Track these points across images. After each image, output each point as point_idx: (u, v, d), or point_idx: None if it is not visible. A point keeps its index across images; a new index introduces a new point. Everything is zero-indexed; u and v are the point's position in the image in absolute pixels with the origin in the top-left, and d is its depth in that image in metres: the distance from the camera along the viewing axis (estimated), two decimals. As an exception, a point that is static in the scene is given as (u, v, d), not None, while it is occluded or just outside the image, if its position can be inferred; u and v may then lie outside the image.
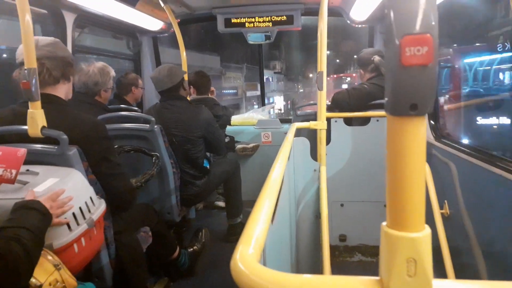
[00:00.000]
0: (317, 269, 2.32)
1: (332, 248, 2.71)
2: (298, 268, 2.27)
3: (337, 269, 2.34)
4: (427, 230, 0.40)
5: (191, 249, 2.56)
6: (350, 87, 2.78)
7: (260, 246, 0.54)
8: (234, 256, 0.50)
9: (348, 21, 3.48)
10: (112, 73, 2.58)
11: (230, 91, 26.41)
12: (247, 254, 0.50)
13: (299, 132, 2.40)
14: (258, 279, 0.44)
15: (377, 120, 2.66)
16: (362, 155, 2.70)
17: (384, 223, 0.42)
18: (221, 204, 3.76)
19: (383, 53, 2.81)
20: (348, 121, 2.72)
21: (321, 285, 0.42)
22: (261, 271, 0.45)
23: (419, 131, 0.38)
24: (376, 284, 0.42)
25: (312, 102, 3.40)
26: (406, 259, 0.39)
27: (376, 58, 2.76)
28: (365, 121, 2.70)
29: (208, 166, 2.80)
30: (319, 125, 2.23)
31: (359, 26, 3.54)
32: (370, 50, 2.90)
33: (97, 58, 3.36)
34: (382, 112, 2.65)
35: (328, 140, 2.61)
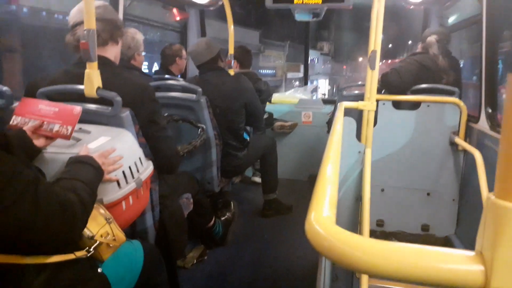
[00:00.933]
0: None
1: (369, 233, 2.67)
2: None
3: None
4: None
5: (223, 217, 2.61)
6: (399, 66, 2.67)
7: (334, 209, 0.52)
8: (308, 218, 0.48)
9: (403, 3, 3.31)
10: (142, 37, 2.67)
11: (268, 71, 24.03)
12: (322, 216, 0.48)
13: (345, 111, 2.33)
14: (339, 243, 0.42)
15: (428, 106, 2.54)
16: (408, 141, 2.61)
17: (490, 194, 0.39)
18: (257, 179, 3.78)
19: (444, 35, 2.66)
20: (397, 105, 2.61)
21: (409, 254, 0.39)
22: (341, 233, 0.43)
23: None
24: (476, 259, 0.38)
25: (360, 82, 3.29)
26: (517, 233, 0.35)
27: (431, 38, 2.62)
28: (414, 106, 2.59)
29: (248, 139, 2.80)
30: (368, 106, 2.16)
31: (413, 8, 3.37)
32: (433, 29, 2.76)
33: (144, 28, 3.40)
34: (434, 97, 2.53)
35: (375, 123, 2.53)
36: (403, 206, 2.71)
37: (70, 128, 1.28)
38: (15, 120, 1.29)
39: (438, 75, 2.60)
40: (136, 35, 2.64)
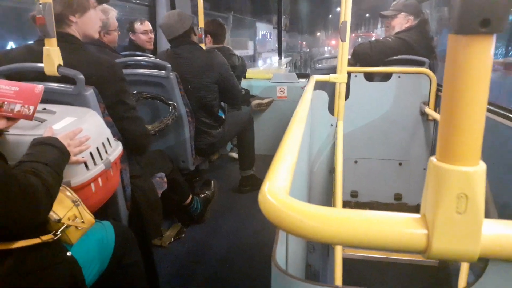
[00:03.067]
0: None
1: (344, 204, 2.73)
2: None
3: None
4: (482, 165, 0.37)
5: (202, 195, 2.62)
6: (374, 40, 2.67)
7: (289, 180, 0.52)
8: (262, 189, 0.48)
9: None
10: (113, 13, 2.57)
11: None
12: (276, 187, 0.48)
13: (316, 86, 2.34)
14: (291, 212, 0.42)
15: (399, 77, 2.57)
16: (380, 112, 2.64)
17: (432, 157, 0.39)
18: (235, 155, 3.78)
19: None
20: (369, 77, 2.63)
21: (357, 220, 0.40)
22: (293, 203, 0.43)
23: (487, 52, 0.33)
24: (419, 222, 0.39)
25: (330, 55, 3.28)
26: (456, 195, 0.36)
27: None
28: (386, 77, 2.61)
29: (223, 117, 2.77)
30: (339, 78, 2.16)
31: None
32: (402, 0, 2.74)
33: (112, 3, 3.27)
34: (404, 68, 2.55)
35: (347, 96, 2.55)
36: (376, 176, 2.77)
37: (32, 108, 1.23)
38: None
39: (419, 52, 2.60)
40: (108, 12, 2.55)
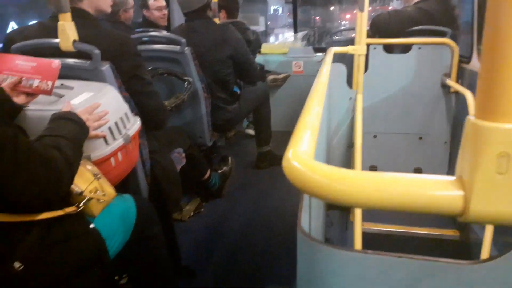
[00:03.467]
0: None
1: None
2: None
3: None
4: None
5: (220, 170, 2.64)
6: (392, 10, 2.58)
7: (313, 145, 0.50)
8: (286, 156, 0.46)
9: None
10: None
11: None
12: (300, 152, 0.46)
13: (335, 58, 2.28)
14: (317, 175, 0.40)
15: (419, 48, 2.48)
16: (400, 85, 2.57)
17: (470, 116, 0.37)
18: (251, 132, 3.77)
19: None
20: (388, 49, 2.55)
21: (388, 182, 0.38)
22: (319, 166, 0.41)
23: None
24: (455, 183, 0.37)
25: (349, 27, 3.19)
26: (497, 154, 0.34)
27: None
28: (406, 48, 2.53)
29: (238, 92, 2.75)
30: (358, 50, 2.10)
31: None
32: None
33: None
34: (425, 39, 2.47)
35: (365, 69, 2.49)
36: (395, 151, 2.73)
37: (50, 83, 1.24)
38: None
39: (441, 22, 2.50)
40: None
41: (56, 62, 1.26)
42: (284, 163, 0.46)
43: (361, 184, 0.38)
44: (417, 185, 0.38)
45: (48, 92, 1.23)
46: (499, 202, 0.35)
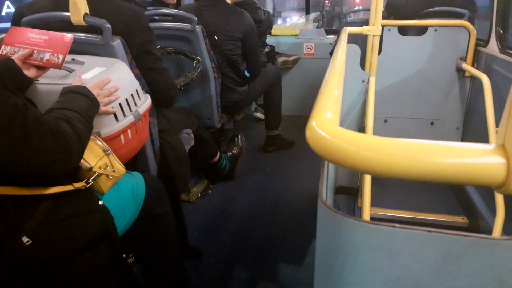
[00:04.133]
0: (356, 179, 2.31)
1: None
2: None
3: (376, 183, 2.32)
4: None
5: (230, 153, 2.61)
6: None
7: (337, 112, 0.47)
8: (309, 125, 0.44)
9: None
10: None
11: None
12: (324, 119, 0.44)
13: (348, 39, 2.23)
14: (344, 143, 0.38)
15: (435, 30, 2.42)
16: (414, 68, 2.51)
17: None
18: (259, 115, 3.73)
19: None
20: (403, 31, 2.49)
21: (419, 149, 0.36)
22: (344, 133, 0.39)
23: None
24: (495, 151, 0.34)
25: (363, 7, 3.12)
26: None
27: None
28: (421, 31, 2.46)
29: (248, 75, 2.71)
30: (373, 30, 2.04)
31: None
32: None
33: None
34: (441, 21, 2.40)
35: (379, 51, 2.43)
36: (406, 136, 2.67)
37: (61, 57, 1.22)
38: (4, 50, 1.23)
39: (459, 4, 2.42)
40: None
41: (68, 36, 1.24)
42: (308, 132, 0.43)
43: (393, 152, 0.36)
44: (454, 153, 0.35)
45: (59, 66, 1.22)
46: (546, 171, 0.32)
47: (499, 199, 1.72)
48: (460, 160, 0.34)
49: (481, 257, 0.39)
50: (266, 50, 3.42)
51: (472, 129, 2.46)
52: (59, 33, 1.24)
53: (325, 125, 0.41)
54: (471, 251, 0.39)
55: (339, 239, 0.43)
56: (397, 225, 0.40)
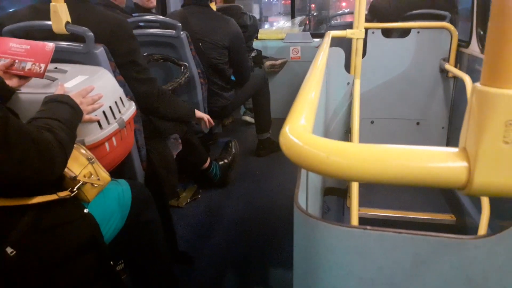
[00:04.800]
0: (344, 180, 2.33)
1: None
2: None
3: (364, 184, 2.34)
4: None
5: (222, 162, 2.58)
6: None
7: (311, 120, 0.48)
8: (283, 131, 0.45)
9: None
10: None
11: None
12: (297, 126, 0.44)
13: (332, 43, 2.25)
14: (315, 149, 0.39)
15: (418, 32, 2.45)
16: (398, 70, 2.55)
17: (476, 83, 0.35)
18: (248, 118, 3.74)
19: None
20: (387, 33, 2.52)
21: (388, 154, 0.37)
22: (317, 140, 0.39)
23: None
24: (458, 155, 0.35)
25: (348, 10, 3.15)
26: (504, 122, 0.32)
27: None
28: (405, 33, 2.50)
29: (235, 80, 2.71)
30: (356, 34, 2.07)
31: None
32: None
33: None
34: (424, 23, 2.44)
35: (364, 54, 2.46)
36: (393, 136, 2.72)
37: (43, 66, 1.22)
38: None
39: (441, 6, 2.46)
40: None
41: (50, 45, 1.24)
42: (281, 138, 0.44)
43: (360, 157, 0.37)
44: (418, 157, 0.36)
45: (41, 75, 1.21)
46: (504, 173, 0.34)
47: (484, 197, 1.75)
48: (425, 164, 0.35)
49: (450, 257, 0.40)
50: (253, 54, 3.44)
51: (457, 128, 2.50)
52: (41, 42, 1.24)
53: (297, 132, 0.42)
54: (440, 251, 0.40)
55: (313, 241, 0.44)
56: (368, 227, 0.41)
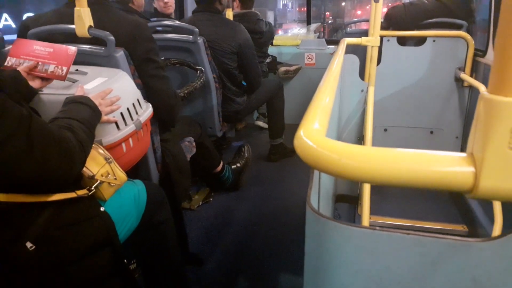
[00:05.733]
0: (356, 188, 2.32)
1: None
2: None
3: (376, 192, 2.33)
4: None
5: (234, 166, 2.60)
6: (408, 2, 2.54)
7: (325, 123, 0.50)
8: (297, 134, 0.47)
9: None
10: None
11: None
12: (312, 129, 0.46)
13: (347, 50, 2.27)
14: (328, 151, 0.40)
15: (434, 41, 2.45)
16: (413, 78, 2.55)
17: (483, 91, 0.36)
18: (261, 124, 3.77)
19: None
20: (402, 41, 2.53)
21: (398, 158, 0.38)
22: (330, 143, 0.41)
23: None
24: (465, 159, 0.37)
25: (363, 18, 3.16)
26: (510, 129, 0.34)
27: None
28: (420, 41, 2.50)
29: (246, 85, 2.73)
30: (372, 41, 2.08)
31: None
32: None
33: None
34: (440, 32, 2.44)
35: (379, 61, 2.47)
36: (406, 145, 2.69)
37: (65, 69, 1.26)
38: (9, 61, 1.27)
39: (458, 15, 2.46)
40: None
41: (72, 49, 1.28)
42: (296, 141, 0.46)
43: (370, 160, 0.38)
44: (427, 161, 0.38)
45: (62, 78, 1.25)
46: (509, 177, 0.35)
47: (497, 207, 1.74)
48: (434, 168, 0.37)
49: (456, 258, 0.42)
50: (268, 60, 3.47)
51: None
52: (64, 46, 1.28)
53: (312, 135, 0.44)
54: (447, 253, 0.42)
55: (324, 240, 0.45)
56: (377, 227, 0.42)
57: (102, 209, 1.15)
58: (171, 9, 3.23)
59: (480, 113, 0.36)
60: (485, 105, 0.36)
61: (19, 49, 1.28)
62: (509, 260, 0.40)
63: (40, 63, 1.26)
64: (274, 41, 3.71)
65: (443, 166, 0.37)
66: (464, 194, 0.38)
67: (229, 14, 2.80)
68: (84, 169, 1.10)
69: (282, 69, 3.58)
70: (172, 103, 1.68)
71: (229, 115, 2.61)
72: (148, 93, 1.57)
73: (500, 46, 0.34)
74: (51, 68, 1.26)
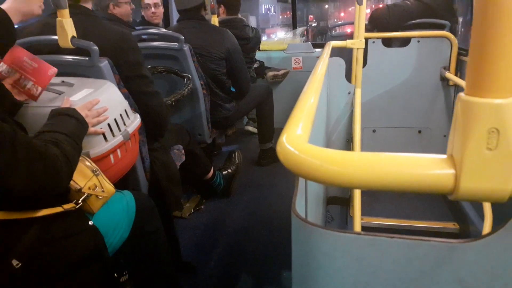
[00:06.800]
0: (347, 189, 2.33)
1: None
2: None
3: (368, 193, 2.34)
4: None
5: (225, 172, 2.59)
6: (391, 4, 2.57)
7: (308, 129, 0.50)
8: (280, 141, 0.47)
9: None
10: None
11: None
12: (294, 136, 0.46)
13: (333, 53, 2.28)
14: (310, 157, 0.40)
15: (418, 41, 2.48)
16: (399, 79, 2.57)
17: (461, 93, 0.37)
18: (251, 128, 3.77)
19: None
20: (387, 42, 2.55)
21: (380, 162, 0.38)
22: (312, 149, 0.41)
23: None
24: (446, 161, 0.37)
25: (347, 21, 3.19)
26: (487, 130, 0.34)
27: None
28: (405, 42, 2.53)
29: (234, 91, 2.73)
30: (357, 44, 2.10)
31: None
32: None
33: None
34: (424, 32, 2.47)
35: (364, 63, 2.49)
36: (395, 145, 2.73)
37: (39, 89, 1.23)
38: (1, 67, 1.24)
39: (441, 15, 2.50)
40: None
41: (53, 70, 1.25)
42: (278, 147, 0.46)
43: (352, 165, 0.38)
44: (408, 164, 0.38)
45: (34, 98, 1.23)
46: (488, 178, 0.35)
47: (487, 204, 1.75)
48: (415, 171, 0.37)
49: (441, 260, 0.42)
50: (256, 65, 3.48)
51: None
52: (47, 65, 1.25)
53: (294, 141, 0.44)
54: (432, 255, 0.42)
55: (310, 247, 0.45)
56: (362, 232, 0.42)
57: (90, 223, 1.13)
58: (159, 19, 3.23)
59: (458, 115, 0.37)
60: (463, 106, 0.36)
61: (13, 57, 1.24)
62: (494, 260, 0.41)
63: (22, 76, 1.24)
64: (261, 46, 3.73)
65: (424, 169, 0.37)
66: (447, 195, 0.38)
67: (215, 20, 2.80)
68: (71, 182, 1.08)
69: (270, 73, 3.59)
70: (163, 116, 1.68)
71: (218, 121, 2.60)
72: (140, 109, 1.57)
73: (475, 48, 0.34)
74: (29, 84, 1.23)
